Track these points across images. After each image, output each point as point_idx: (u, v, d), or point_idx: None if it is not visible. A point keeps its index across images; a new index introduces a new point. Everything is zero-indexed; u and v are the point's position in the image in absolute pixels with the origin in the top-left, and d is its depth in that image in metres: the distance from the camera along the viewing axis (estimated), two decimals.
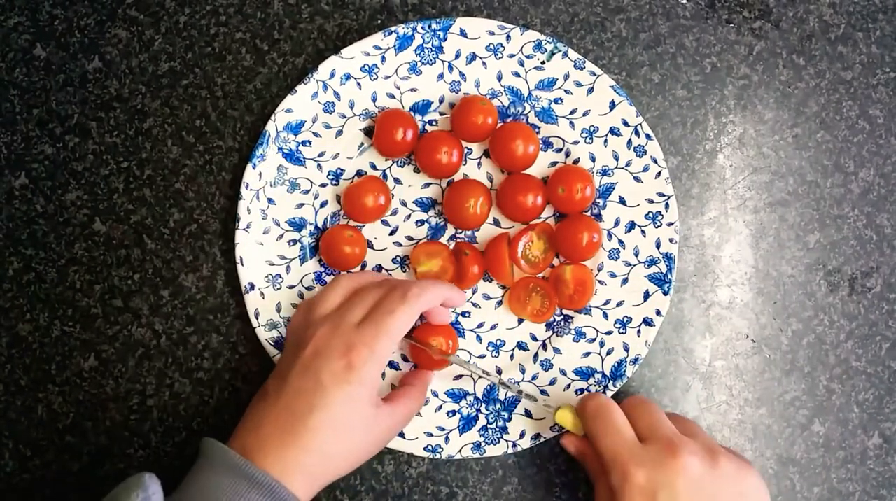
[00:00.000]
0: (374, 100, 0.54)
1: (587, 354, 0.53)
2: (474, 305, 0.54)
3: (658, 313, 0.52)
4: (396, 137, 0.52)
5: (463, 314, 0.54)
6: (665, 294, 0.52)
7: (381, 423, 0.46)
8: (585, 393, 0.52)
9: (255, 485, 0.42)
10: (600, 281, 0.53)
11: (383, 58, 0.53)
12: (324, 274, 0.53)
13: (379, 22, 0.56)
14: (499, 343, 0.54)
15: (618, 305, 0.53)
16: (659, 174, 0.53)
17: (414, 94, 0.54)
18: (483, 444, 0.52)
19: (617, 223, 0.53)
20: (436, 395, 0.53)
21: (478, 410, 0.52)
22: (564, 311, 0.54)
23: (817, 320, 0.55)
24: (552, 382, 0.53)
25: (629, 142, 0.53)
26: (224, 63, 0.56)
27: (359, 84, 0.54)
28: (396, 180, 0.54)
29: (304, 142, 0.53)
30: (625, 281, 0.53)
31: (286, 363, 0.47)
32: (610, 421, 0.45)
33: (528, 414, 0.52)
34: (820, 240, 0.56)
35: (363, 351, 0.44)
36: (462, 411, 0.52)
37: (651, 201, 0.53)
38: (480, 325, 0.54)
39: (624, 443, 0.44)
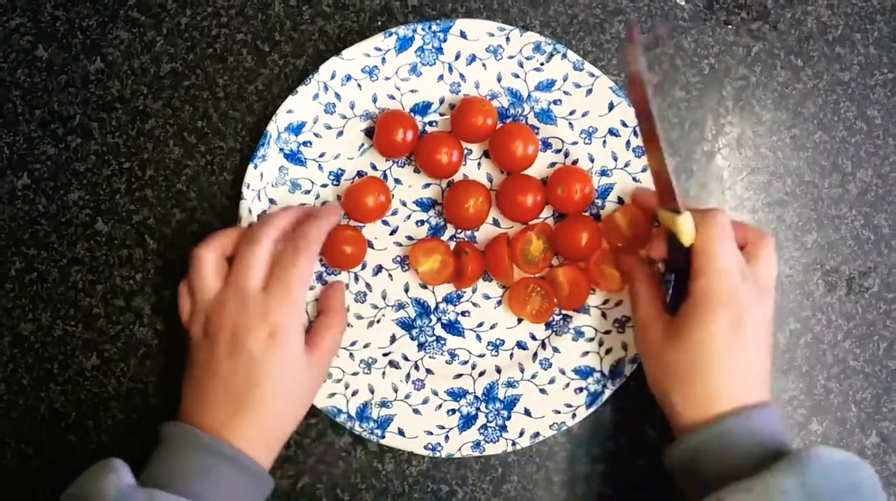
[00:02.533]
0: (375, 101, 0.54)
1: (586, 353, 0.53)
2: (474, 305, 0.54)
3: None
4: (397, 138, 0.52)
5: (463, 313, 0.54)
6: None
7: (314, 370, 0.48)
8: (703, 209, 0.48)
9: (224, 459, 0.43)
10: None
11: (384, 59, 0.54)
12: (324, 274, 0.54)
13: (379, 23, 0.56)
14: (498, 342, 0.54)
15: (616, 304, 0.53)
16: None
17: (414, 95, 0.54)
18: (483, 443, 0.52)
19: None
20: (436, 394, 0.53)
21: (477, 409, 0.53)
22: (563, 311, 0.54)
23: (815, 320, 0.56)
24: (551, 381, 0.53)
25: (628, 143, 0.53)
26: (225, 64, 0.56)
27: (359, 85, 0.54)
28: (396, 180, 0.55)
29: (305, 143, 0.54)
30: None
31: (206, 352, 0.46)
32: (733, 243, 0.46)
33: (527, 412, 0.52)
34: (818, 240, 0.56)
35: (281, 310, 0.45)
36: (462, 409, 0.53)
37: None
38: (480, 325, 0.54)
39: (738, 269, 0.46)
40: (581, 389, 0.53)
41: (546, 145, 0.54)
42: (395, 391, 0.53)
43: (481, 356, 0.54)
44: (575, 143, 0.54)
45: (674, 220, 0.46)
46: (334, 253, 0.52)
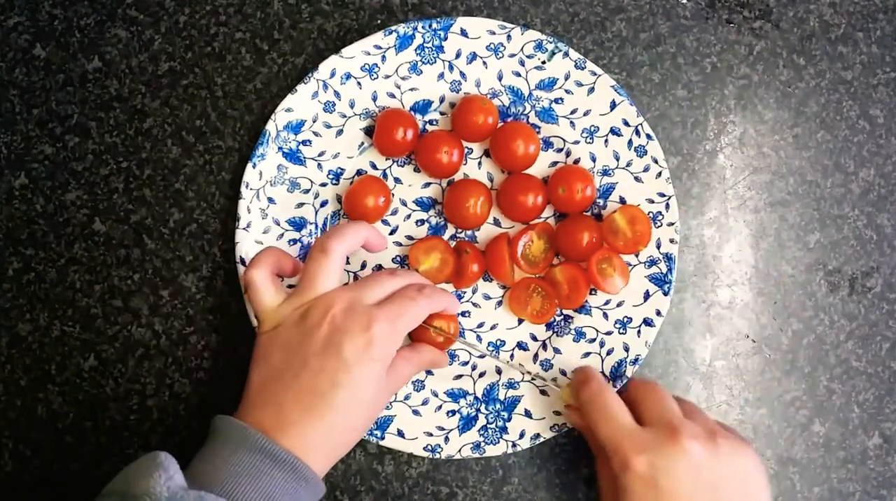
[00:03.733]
0: (375, 99, 0.54)
1: (587, 354, 0.53)
2: (474, 305, 0.54)
3: (658, 313, 0.52)
4: (397, 137, 0.52)
5: (463, 314, 0.54)
6: (665, 294, 0.52)
7: (389, 390, 0.46)
8: (577, 368, 0.51)
9: (277, 463, 0.41)
10: None
11: (384, 57, 0.53)
12: None
13: (379, 21, 0.56)
14: (499, 343, 0.54)
15: (618, 305, 0.53)
16: (659, 174, 0.53)
17: (414, 94, 0.54)
18: (483, 444, 0.52)
19: None
20: (435, 395, 0.53)
21: (477, 410, 0.52)
22: (564, 311, 0.54)
23: (817, 320, 0.55)
24: (552, 382, 0.52)
25: (630, 142, 0.53)
26: (224, 63, 0.56)
27: (359, 83, 0.53)
28: (396, 180, 0.54)
29: (304, 142, 0.53)
30: None
31: (297, 340, 0.45)
32: (606, 409, 0.46)
33: (527, 414, 0.52)
34: (820, 240, 0.56)
35: (385, 326, 0.44)
36: (462, 411, 0.52)
37: (651, 201, 0.53)
38: (480, 325, 0.54)
39: (621, 429, 0.44)
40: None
41: (547, 144, 0.54)
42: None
43: (481, 357, 0.54)
44: (576, 142, 0.54)
45: (564, 396, 0.50)
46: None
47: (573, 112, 0.54)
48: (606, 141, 0.53)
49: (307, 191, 0.54)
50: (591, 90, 0.53)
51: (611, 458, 0.44)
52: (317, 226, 0.54)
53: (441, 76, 0.54)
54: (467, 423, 0.52)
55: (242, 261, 0.52)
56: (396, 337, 0.45)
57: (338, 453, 0.45)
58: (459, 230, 0.54)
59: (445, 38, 0.53)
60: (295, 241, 0.53)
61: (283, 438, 0.42)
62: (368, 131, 0.54)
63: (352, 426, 0.45)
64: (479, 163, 0.55)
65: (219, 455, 0.42)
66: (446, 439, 0.52)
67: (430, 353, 0.50)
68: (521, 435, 0.52)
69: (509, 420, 0.52)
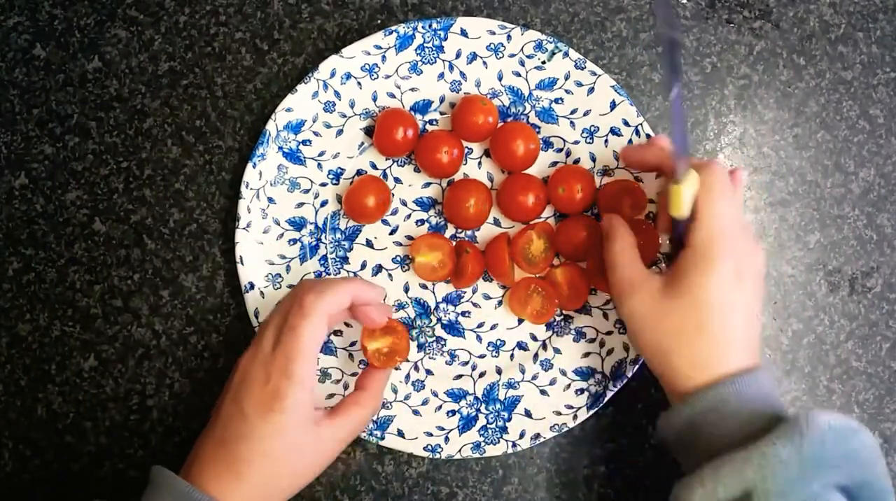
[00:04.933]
0: (375, 99, 0.54)
1: (587, 354, 0.53)
2: (474, 305, 0.54)
3: None
4: (397, 137, 0.52)
5: (463, 314, 0.54)
6: None
7: (324, 441, 0.45)
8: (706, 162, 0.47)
9: None
10: None
11: (384, 57, 0.53)
12: (324, 274, 0.53)
13: (379, 22, 0.56)
14: (499, 343, 0.54)
15: None
16: (660, 174, 0.53)
17: (414, 94, 0.54)
18: (483, 444, 0.52)
19: None
20: (435, 395, 0.53)
21: (477, 410, 0.52)
22: (564, 311, 0.53)
23: (817, 320, 0.55)
24: (552, 382, 0.52)
25: (629, 142, 0.53)
26: (224, 63, 0.56)
27: (359, 83, 0.53)
28: (396, 180, 0.54)
29: (304, 142, 0.53)
30: None
31: (224, 390, 0.46)
32: (733, 193, 0.46)
33: (527, 414, 0.52)
34: (820, 240, 0.56)
35: (281, 380, 0.43)
36: (462, 411, 0.52)
37: (652, 201, 0.53)
38: (480, 325, 0.54)
39: (739, 219, 0.46)
40: (582, 390, 0.52)
41: (547, 144, 0.54)
42: (395, 392, 0.53)
43: (481, 357, 0.54)
44: (576, 142, 0.54)
45: (674, 189, 0.45)
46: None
47: (573, 112, 0.54)
48: (606, 141, 0.53)
49: (307, 191, 0.54)
50: (591, 90, 0.53)
51: (713, 234, 0.44)
52: (317, 226, 0.54)
53: (441, 76, 0.54)
54: (467, 423, 0.52)
55: (242, 261, 0.52)
56: (299, 383, 0.43)
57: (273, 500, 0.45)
58: (459, 230, 0.54)
59: (445, 38, 0.53)
60: (295, 241, 0.53)
61: (206, 486, 0.43)
62: (368, 131, 0.54)
63: (276, 478, 0.44)
64: (479, 163, 0.55)
65: None
66: (446, 439, 0.52)
67: (378, 382, 0.48)
68: (521, 435, 0.52)
69: (509, 420, 0.52)
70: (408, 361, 0.53)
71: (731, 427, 0.42)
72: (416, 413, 0.52)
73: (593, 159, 0.54)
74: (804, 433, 0.39)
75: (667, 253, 0.52)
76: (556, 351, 0.53)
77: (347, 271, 0.54)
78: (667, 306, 0.45)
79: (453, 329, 0.54)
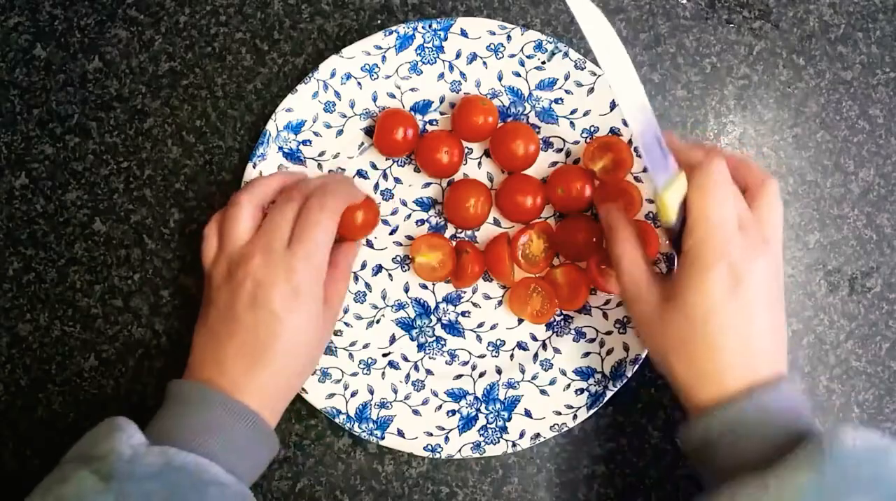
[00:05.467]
0: (375, 99, 0.54)
1: (587, 354, 0.53)
2: (474, 305, 0.54)
3: None
4: (397, 137, 0.52)
5: (463, 314, 0.54)
6: None
7: (326, 324, 0.48)
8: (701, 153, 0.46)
9: (234, 416, 0.42)
10: None
11: (384, 57, 0.53)
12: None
13: (379, 22, 0.56)
14: (499, 343, 0.54)
15: (618, 305, 0.53)
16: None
17: (414, 94, 0.54)
18: (483, 444, 0.52)
19: None
20: (435, 395, 0.53)
21: (477, 410, 0.52)
22: (564, 311, 0.54)
23: (817, 320, 0.55)
24: (552, 382, 0.52)
25: (629, 143, 0.53)
26: (224, 63, 0.56)
27: (359, 83, 0.54)
28: (396, 180, 0.54)
29: (304, 142, 0.53)
30: None
31: (226, 296, 0.46)
32: (730, 194, 0.43)
33: (527, 414, 0.52)
34: (820, 240, 0.56)
35: (305, 269, 0.45)
36: (462, 411, 0.52)
37: (651, 201, 0.53)
38: (480, 325, 0.54)
39: (733, 221, 0.43)
40: (582, 390, 0.52)
41: (547, 144, 0.54)
42: (395, 392, 0.53)
43: (481, 357, 0.54)
44: (576, 143, 0.54)
45: (661, 195, 0.43)
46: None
47: (573, 112, 0.54)
48: None
49: None
50: (591, 90, 0.53)
51: (703, 240, 0.42)
52: None
53: (441, 76, 0.54)
54: (467, 423, 0.52)
55: None
56: (319, 273, 0.46)
57: (286, 400, 0.47)
58: (459, 230, 0.54)
59: (445, 39, 0.53)
60: None
61: (235, 391, 0.43)
62: (368, 131, 0.54)
63: (297, 369, 0.46)
64: (479, 163, 0.55)
65: (177, 414, 0.43)
66: (446, 439, 0.52)
67: (345, 256, 0.51)
68: (521, 435, 0.52)
69: (509, 420, 0.52)
70: (407, 361, 0.53)
71: (748, 446, 0.40)
72: (416, 413, 0.52)
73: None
74: (826, 456, 0.36)
75: (666, 253, 0.52)
76: (556, 351, 0.53)
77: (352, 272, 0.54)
78: (666, 317, 0.43)
79: (453, 329, 0.54)
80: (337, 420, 0.52)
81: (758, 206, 0.45)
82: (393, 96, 0.54)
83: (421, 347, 0.54)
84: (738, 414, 0.40)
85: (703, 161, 0.44)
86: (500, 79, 0.54)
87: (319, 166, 0.54)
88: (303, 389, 0.51)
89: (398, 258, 0.54)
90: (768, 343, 0.43)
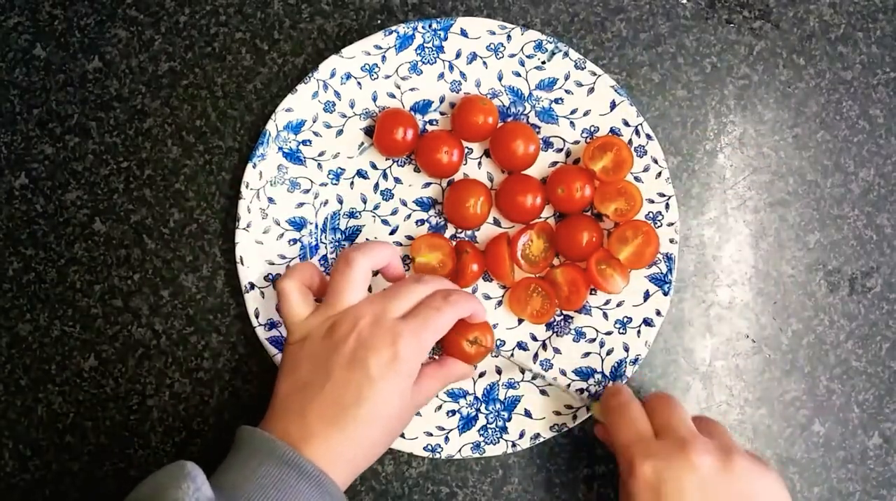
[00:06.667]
0: (375, 99, 0.54)
1: (587, 354, 0.53)
2: None
3: (658, 313, 0.52)
4: (397, 137, 0.52)
5: None
6: (665, 294, 0.52)
7: (411, 405, 0.46)
8: (607, 385, 0.52)
9: (303, 476, 0.41)
10: None
11: (384, 57, 0.53)
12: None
13: (379, 22, 0.56)
14: (499, 343, 0.54)
15: (618, 305, 0.53)
16: (659, 174, 0.53)
17: (414, 94, 0.54)
18: (483, 444, 0.52)
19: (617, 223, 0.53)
20: (435, 395, 0.53)
21: (477, 410, 0.52)
22: (564, 311, 0.53)
23: (817, 320, 0.55)
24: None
25: (629, 142, 0.53)
26: (224, 63, 0.56)
27: (359, 83, 0.53)
28: (396, 180, 0.54)
29: (304, 142, 0.53)
30: None
31: (324, 354, 0.45)
32: (626, 415, 0.47)
33: (527, 414, 0.52)
34: (820, 240, 0.56)
35: (410, 341, 0.44)
36: (462, 411, 0.52)
37: (651, 201, 0.53)
38: None
39: (636, 436, 0.45)
40: (582, 390, 0.52)
41: (547, 144, 0.54)
42: None
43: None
44: (576, 143, 0.54)
45: (593, 409, 0.50)
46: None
47: (573, 112, 0.54)
48: None
49: (307, 191, 0.54)
50: (591, 90, 0.53)
51: (621, 463, 0.45)
52: (317, 226, 0.54)
53: (441, 76, 0.54)
54: (467, 423, 0.52)
55: (242, 261, 0.52)
56: (422, 351, 0.45)
57: (360, 466, 0.45)
58: (459, 230, 0.54)
59: (445, 39, 0.53)
60: (295, 241, 0.53)
61: (307, 450, 0.42)
62: (368, 131, 0.54)
63: (375, 440, 0.44)
64: (479, 163, 0.55)
65: (245, 465, 0.42)
66: (446, 439, 0.52)
67: (457, 368, 0.49)
68: (521, 435, 0.52)
69: (509, 420, 0.52)
70: None
71: None
72: (416, 413, 0.52)
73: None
74: None
75: (666, 252, 0.52)
76: (556, 351, 0.53)
77: None
78: None
79: None
80: None
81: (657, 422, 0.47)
82: (393, 96, 0.54)
83: None
84: None
85: (604, 394, 0.49)
86: (500, 79, 0.54)
87: (319, 166, 0.54)
88: None
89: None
90: None
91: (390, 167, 0.54)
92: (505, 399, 0.53)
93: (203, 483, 0.39)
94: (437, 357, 0.51)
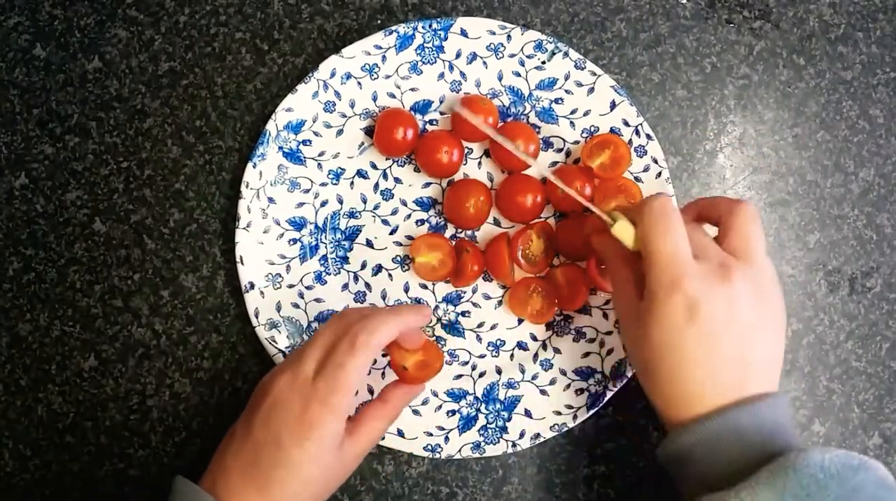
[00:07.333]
0: (375, 99, 0.54)
1: (587, 354, 0.53)
2: (474, 305, 0.54)
3: None
4: (397, 137, 0.52)
5: (463, 314, 0.54)
6: None
7: (347, 459, 0.45)
8: (649, 197, 0.45)
9: None
10: None
11: (384, 57, 0.53)
12: (324, 274, 0.53)
13: (379, 22, 0.56)
14: (498, 342, 0.54)
15: None
16: (659, 174, 0.53)
17: (414, 94, 0.54)
18: (483, 444, 0.52)
19: None
20: (435, 395, 0.53)
21: (477, 410, 0.52)
22: (564, 311, 0.54)
23: (817, 320, 0.55)
24: (552, 382, 0.52)
25: (630, 143, 0.53)
26: (224, 63, 0.56)
27: (359, 83, 0.53)
28: (397, 180, 0.54)
29: (304, 142, 0.53)
30: None
31: (251, 407, 0.45)
32: (675, 225, 0.43)
33: (528, 414, 0.52)
34: (820, 240, 0.56)
35: (320, 410, 0.43)
36: (462, 411, 0.52)
37: None
38: (480, 325, 0.54)
39: (684, 251, 0.42)
40: (582, 390, 0.52)
41: (547, 144, 0.54)
42: None
43: (481, 357, 0.54)
44: (576, 143, 0.54)
45: (616, 229, 0.45)
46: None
47: (573, 112, 0.54)
48: None
49: (307, 191, 0.54)
50: (591, 90, 0.53)
51: (659, 273, 0.42)
52: (317, 226, 0.54)
53: (441, 76, 0.54)
54: (467, 423, 0.52)
55: (242, 261, 0.52)
56: (336, 415, 0.43)
57: None
58: (459, 230, 0.54)
59: (445, 39, 0.53)
60: (295, 241, 0.53)
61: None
62: (368, 131, 0.54)
63: (303, 498, 0.44)
64: (479, 163, 0.55)
65: None
66: (446, 439, 0.52)
67: (403, 399, 0.47)
68: (521, 435, 0.52)
69: (509, 420, 0.52)
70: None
71: (718, 464, 0.40)
72: (416, 413, 0.52)
73: None
74: (790, 475, 0.36)
75: None
76: (556, 351, 0.53)
77: (347, 271, 0.54)
78: (638, 343, 0.44)
79: (453, 329, 0.54)
80: None
81: (727, 233, 0.45)
82: (393, 96, 0.54)
83: None
84: (707, 434, 0.41)
85: (645, 200, 0.44)
86: (500, 79, 0.54)
87: (319, 166, 0.54)
88: None
89: (398, 258, 0.54)
90: (736, 368, 0.42)
91: (390, 167, 0.54)
92: (505, 399, 0.53)
93: None
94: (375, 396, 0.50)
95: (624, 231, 0.45)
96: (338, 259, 0.54)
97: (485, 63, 0.54)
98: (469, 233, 0.54)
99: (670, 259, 0.42)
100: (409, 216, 0.54)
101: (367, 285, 0.54)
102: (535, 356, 0.53)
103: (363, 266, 0.54)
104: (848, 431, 0.55)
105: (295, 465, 0.43)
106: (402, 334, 0.46)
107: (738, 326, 0.42)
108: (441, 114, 0.54)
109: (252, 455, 0.43)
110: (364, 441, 0.45)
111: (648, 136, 0.53)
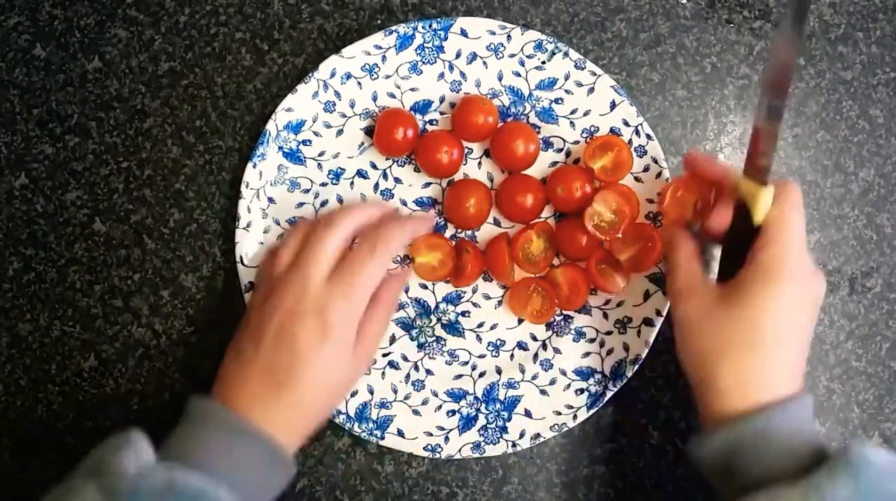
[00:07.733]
0: (375, 99, 0.54)
1: (587, 354, 0.53)
2: (474, 305, 0.54)
3: (658, 313, 0.52)
4: (397, 137, 0.52)
5: (463, 314, 0.54)
6: (665, 294, 0.52)
7: (357, 362, 0.47)
8: (785, 181, 0.46)
9: (253, 442, 0.42)
10: None
11: (384, 57, 0.53)
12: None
13: (379, 22, 0.56)
14: (499, 342, 0.54)
15: (618, 305, 0.53)
16: (659, 174, 0.53)
17: (414, 94, 0.54)
18: (483, 444, 0.52)
19: None
20: (435, 395, 0.53)
21: (477, 410, 0.52)
22: (564, 311, 0.54)
23: (817, 320, 0.55)
24: (552, 382, 0.52)
25: (630, 142, 0.53)
26: (224, 63, 0.56)
27: (359, 83, 0.54)
28: (397, 180, 0.54)
29: (304, 142, 0.53)
30: None
31: (258, 319, 0.46)
32: (803, 217, 0.45)
33: (528, 414, 0.52)
34: (820, 240, 0.56)
35: (338, 307, 0.44)
36: (462, 411, 0.52)
37: (651, 201, 0.53)
38: (480, 325, 0.54)
39: (805, 240, 0.45)
40: (582, 390, 0.52)
41: (547, 144, 0.54)
42: (395, 392, 0.53)
43: (481, 357, 0.54)
44: (576, 143, 0.54)
45: (756, 193, 0.44)
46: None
47: (573, 112, 0.54)
48: None
49: (307, 191, 0.54)
50: (591, 90, 0.53)
51: (786, 256, 0.43)
52: None
53: (441, 76, 0.54)
54: (467, 423, 0.52)
55: (242, 261, 0.52)
56: (355, 314, 0.45)
57: (307, 430, 0.46)
58: (459, 230, 0.54)
59: (445, 39, 0.53)
60: None
61: (252, 416, 0.43)
62: (368, 131, 0.54)
63: (319, 403, 0.45)
64: (479, 163, 0.55)
65: (191, 432, 0.43)
66: (446, 439, 0.52)
67: (394, 289, 0.49)
68: (521, 435, 0.52)
69: (509, 420, 0.52)
70: (407, 361, 0.53)
71: (773, 458, 0.40)
72: (416, 413, 0.52)
73: None
74: (861, 471, 0.37)
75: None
76: (556, 351, 0.53)
77: None
78: (722, 314, 0.44)
79: (453, 329, 0.54)
80: (337, 420, 0.52)
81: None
82: (393, 96, 0.54)
83: (421, 347, 0.54)
84: (769, 424, 0.41)
85: (785, 182, 0.45)
86: (500, 78, 0.54)
87: (319, 166, 0.54)
88: None
89: (398, 258, 0.54)
90: (801, 362, 0.44)
91: (390, 167, 0.54)
92: (505, 399, 0.53)
93: (144, 449, 0.40)
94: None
95: (764, 201, 0.44)
96: None
97: (485, 63, 0.54)
98: (469, 233, 0.54)
99: (800, 247, 0.44)
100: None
101: None
102: (535, 356, 0.53)
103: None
104: (848, 431, 0.55)
105: (316, 370, 0.44)
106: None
107: (813, 324, 0.45)
108: (441, 114, 0.54)
109: (268, 365, 0.44)
110: (371, 342, 0.47)
111: (648, 136, 0.53)
